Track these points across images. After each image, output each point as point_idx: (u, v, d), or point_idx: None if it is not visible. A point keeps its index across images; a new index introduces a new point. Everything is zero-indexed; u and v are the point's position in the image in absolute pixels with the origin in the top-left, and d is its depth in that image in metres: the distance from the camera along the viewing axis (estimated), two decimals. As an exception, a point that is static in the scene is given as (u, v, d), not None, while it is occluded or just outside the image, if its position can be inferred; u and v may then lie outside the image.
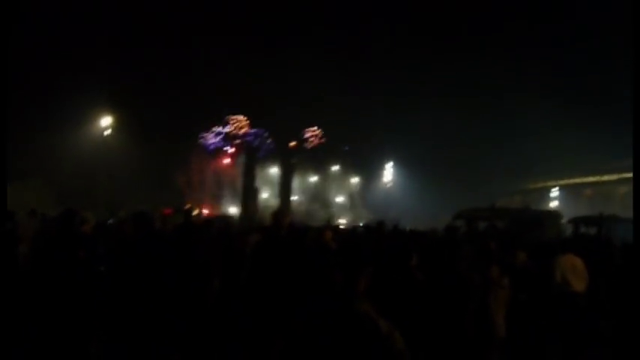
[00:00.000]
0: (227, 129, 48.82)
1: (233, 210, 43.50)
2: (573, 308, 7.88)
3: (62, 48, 36.55)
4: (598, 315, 8.13)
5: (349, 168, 54.99)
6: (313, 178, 54.60)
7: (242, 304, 6.29)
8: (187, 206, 35.33)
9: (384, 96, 50.19)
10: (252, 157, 48.25)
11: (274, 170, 51.63)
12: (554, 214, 23.15)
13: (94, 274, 7.55)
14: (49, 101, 35.42)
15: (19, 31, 34.36)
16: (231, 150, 48.50)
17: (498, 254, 6.81)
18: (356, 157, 54.47)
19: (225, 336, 6.84)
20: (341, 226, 24.32)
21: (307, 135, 51.37)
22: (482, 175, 47.90)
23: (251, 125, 48.96)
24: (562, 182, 52.44)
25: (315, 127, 51.25)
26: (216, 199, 46.55)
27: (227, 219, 29.44)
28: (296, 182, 52.36)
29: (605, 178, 46.85)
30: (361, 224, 23.33)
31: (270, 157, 50.74)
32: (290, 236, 6.74)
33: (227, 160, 49.17)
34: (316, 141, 51.38)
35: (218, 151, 48.21)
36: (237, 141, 48.66)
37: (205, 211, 32.81)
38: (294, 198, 51.24)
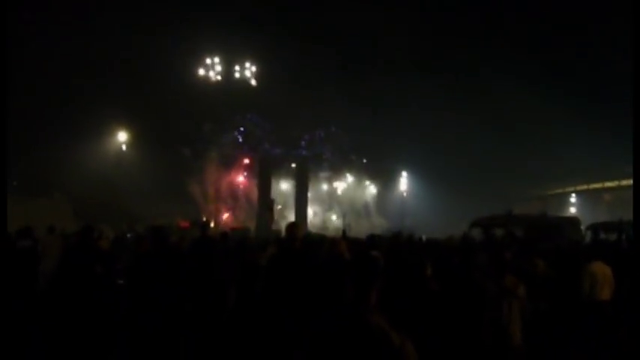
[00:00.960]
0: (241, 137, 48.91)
1: (249, 221, 43.58)
2: (602, 317, 7.81)
3: (78, 63, 36.98)
4: (622, 323, 8.05)
5: (364, 177, 54.95)
6: (327, 187, 54.65)
7: (258, 316, 6.32)
8: (203, 219, 35.60)
9: (398, 105, 50.22)
10: (267, 168, 48.35)
11: (289, 181, 51.72)
12: (573, 221, 22.91)
13: (112, 288, 7.65)
14: (65, 116, 35.83)
15: (37, 44, 34.97)
16: (246, 161, 48.60)
17: (514, 263, 6.77)
18: (371, 167, 54.42)
19: (242, 347, 6.87)
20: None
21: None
22: (499, 181, 47.62)
23: (265, 133, 49.00)
24: (580, 188, 52.01)
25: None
26: (232, 211, 46.72)
27: (244, 231, 29.52)
28: (311, 191, 52.35)
29: (624, 183, 46.31)
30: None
31: (285, 167, 50.83)
32: (305, 248, 6.77)
33: (241, 172, 49.30)
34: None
35: (233, 162, 48.34)
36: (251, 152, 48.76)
37: (225, 219, 32.86)
38: (309, 209, 51.27)
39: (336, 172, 53.63)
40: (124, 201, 37.31)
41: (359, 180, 54.78)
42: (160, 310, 7.07)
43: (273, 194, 47.50)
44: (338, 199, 54.49)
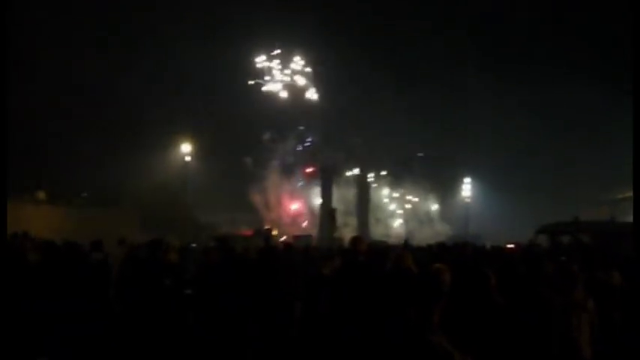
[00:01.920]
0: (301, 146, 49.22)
1: (311, 230, 43.77)
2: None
3: (143, 76, 38.06)
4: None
5: (426, 185, 54.51)
6: (388, 193, 54.46)
7: (324, 330, 6.39)
8: (266, 227, 36.02)
9: (461, 110, 49.66)
10: (328, 176, 48.48)
11: (349, 188, 51.69)
12: (643, 226, 22.12)
13: (181, 300, 7.86)
14: (133, 129, 36.90)
15: (104, 58, 36.23)
16: (309, 169, 48.93)
17: (583, 275, 6.63)
18: (433, 173, 53.98)
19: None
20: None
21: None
22: (566, 186, 46.36)
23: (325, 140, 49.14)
24: (651, 190, 50.06)
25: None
26: (293, 219, 47.07)
27: (307, 240, 29.71)
28: (372, 198, 52.25)
29: (701, 184, 44.25)
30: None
31: (345, 175, 50.86)
32: (370, 261, 6.81)
33: (302, 179, 49.66)
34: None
35: (294, 170, 48.75)
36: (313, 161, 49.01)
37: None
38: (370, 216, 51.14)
39: (398, 178, 53.41)
40: (188, 211, 38.14)
41: (422, 187, 54.39)
42: (229, 320, 7.24)
43: (335, 201, 47.65)
44: (400, 206, 54.28)
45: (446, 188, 55.04)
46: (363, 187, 50.23)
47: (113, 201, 34.50)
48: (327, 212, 43.54)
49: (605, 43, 45.02)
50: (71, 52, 34.56)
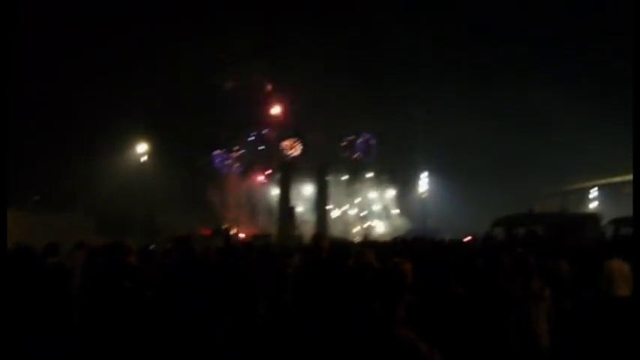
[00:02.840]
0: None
1: (269, 228, 43.64)
2: (619, 315, 7.81)
3: (95, 75, 37.36)
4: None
5: (383, 178, 54.81)
6: (347, 189, 54.58)
7: (288, 328, 6.42)
8: (225, 226, 35.82)
9: (415, 104, 50.00)
10: (286, 173, 48.39)
11: (308, 184, 51.61)
12: (593, 217, 22.85)
13: (141, 303, 7.77)
14: (84, 130, 36.17)
15: (53, 57, 35.39)
16: (267, 171, 48.85)
17: (538, 266, 6.81)
18: (390, 167, 54.28)
19: (274, 359, 6.97)
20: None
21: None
22: (520, 179, 47.25)
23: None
24: (601, 182, 51.42)
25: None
26: (252, 218, 46.88)
27: (266, 238, 29.65)
28: (331, 194, 52.22)
29: (647, 175, 45.41)
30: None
31: (303, 171, 50.75)
32: (331, 258, 6.86)
33: (261, 178, 49.49)
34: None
35: (252, 168, 48.55)
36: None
37: (242, 235, 33.05)
38: (329, 207, 51.10)
39: (356, 173, 53.53)
40: (144, 212, 37.64)
41: (378, 180, 54.67)
42: (191, 321, 7.21)
43: (293, 198, 47.67)
44: (358, 200, 54.49)
45: (404, 182, 55.43)
46: (321, 185, 50.24)
47: (66, 204, 33.80)
48: (286, 210, 43.52)
49: (559, 41, 46.08)
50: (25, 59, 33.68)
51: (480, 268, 8.39)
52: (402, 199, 56.07)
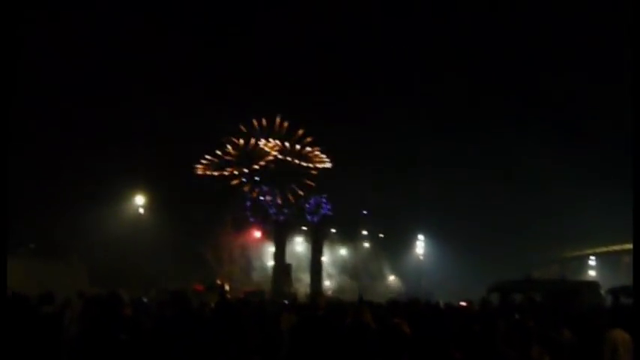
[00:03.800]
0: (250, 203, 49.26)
1: (264, 285, 43.28)
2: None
3: (95, 128, 37.80)
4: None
5: (379, 240, 54.78)
6: (342, 251, 54.42)
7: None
8: (218, 282, 35.48)
9: (411, 167, 50.45)
10: (281, 232, 48.37)
11: (302, 244, 51.49)
12: (592, 285, 22.70)
13: (137, 356, 7.65)
14: (84, 181, 36.36)
15: (55, 111, 35.86)
16: (259, 232, 48.89)
17: (538, 331, 6.76)
18: (386, 230, 54.35)
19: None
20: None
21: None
22: (517, 245, 47.15)
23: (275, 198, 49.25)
24: (599, 250, 51.39)
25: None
26: (246, 273, 46.53)
27: (260, 295, 29.36)
28: (325, 254, 52.02)
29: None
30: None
31: (297, 231, 50.83)
32: (328, 316, 6.80)
33: (257, 234, 49.34)
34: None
35: (245, 225, 48.58)
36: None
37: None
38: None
39: (350, 235, 53.53)
40: (138, 264, 37.39)
41: (374, 243, 54.57)
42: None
43: (287, 256, 47.49)
44: (352, 261, 54.23)
45: (398, 244, 55.38)
46: (316, 243, 50.08)
47: (61, 252, 33.59)
48: (282, 268, 43.27)
49: (554, 103, 46.86)
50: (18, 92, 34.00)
51: (477, 333, 8.31)
52: (397, 261, 55.88)
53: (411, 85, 47.99)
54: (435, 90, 47.60)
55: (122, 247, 36.94)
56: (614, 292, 19.14)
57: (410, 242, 55.24)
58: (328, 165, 48.25)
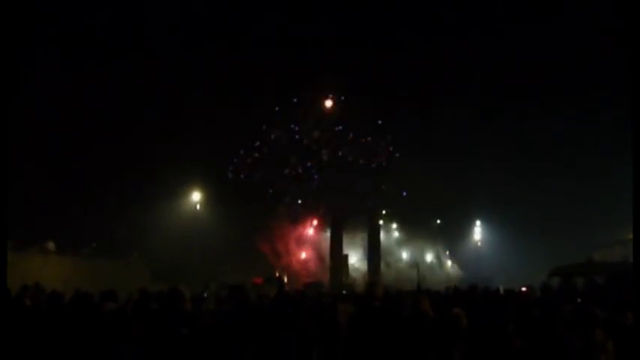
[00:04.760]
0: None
1: (321, 276, 43.38)
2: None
3: (152, 124, 38.42)
4: None
5: (436, 228, 54.23)
6: (398, 237, 54.15)
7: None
8: (277, 275, 35.83)
9: (469, 153, 49.62)
10: (338, 222, 48.18)
11: (358, 233, 51.25)
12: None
13: (199, 350, 7.81)
14: (141, 178, 37.04)
15: (110, 106, 36.72)
16: (315, 222, 48.79)
17: (601, 315, 6.58)
18: (443, 216, 53.70)
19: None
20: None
21: None
22: (577, 226, 45.91)
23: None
24: (666, 227, 49.60)
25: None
26: (303, 265, 46.70)
27: (318, 286, 29.51)
28: (383, 242, 51.71)
29: None
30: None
31: (354, 219, 50.52)
32: (386, 306, 6.79)
33: (314, 223, 49.36)
34: None
35: (302, 216, 48.62)
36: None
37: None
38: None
39: (406, 220, 53.08)
40: (197, 260, 38.01)
41: (431, 230, 54.08)
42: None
43: (344, 246, 47.39)
44: (410, 249, 53.93)
45: (457, 231, 54.73)
46: (374, 232, 49.80)
47: (123, 251, 34.48)
48: (339, 258, 43.31)
49: (609, 86, 45.40)
50: (75, 98, 34.92)
51: (536, 319, 8.16)
52: (455, 248, 55.28)
53: (469, 73, 46.80)
54: (493, 77, 46.53)
55: (181, 244, 37.64)
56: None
57: (468, 229, 54.52)
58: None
